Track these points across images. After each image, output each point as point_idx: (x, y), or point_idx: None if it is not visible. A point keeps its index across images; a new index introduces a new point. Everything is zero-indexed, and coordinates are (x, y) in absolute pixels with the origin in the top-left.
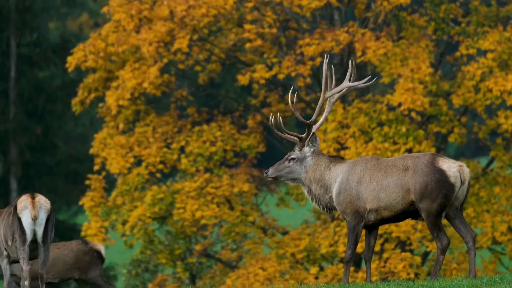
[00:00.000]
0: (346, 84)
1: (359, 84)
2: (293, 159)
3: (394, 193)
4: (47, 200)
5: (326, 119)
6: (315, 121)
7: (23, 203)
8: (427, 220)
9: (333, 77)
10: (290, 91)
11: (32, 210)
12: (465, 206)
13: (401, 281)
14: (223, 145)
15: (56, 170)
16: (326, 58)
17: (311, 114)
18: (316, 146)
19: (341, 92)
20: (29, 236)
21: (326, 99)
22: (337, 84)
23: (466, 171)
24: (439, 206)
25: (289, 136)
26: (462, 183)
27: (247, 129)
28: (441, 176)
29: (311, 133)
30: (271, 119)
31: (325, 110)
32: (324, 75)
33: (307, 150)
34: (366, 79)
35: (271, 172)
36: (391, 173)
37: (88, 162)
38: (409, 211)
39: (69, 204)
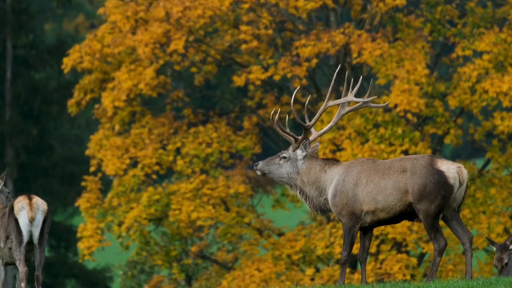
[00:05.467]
0: (349, 98)
1: (365, 100)
2: (284, 157)
3: (391, 195)
4: (44, 201)
5: (330, 128)
6: (313, 125)
7: (20, 204)
8: (424, 222)
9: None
10: (295, 92)
11: (29, 211)
12: (461, 208)
13: (397, 283)
14: (219, 146)
15: (52, 171)
16: (338, 69)
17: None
18: (307, 151)
19: (354, 107)
20: (25, 237)
21: (327, 107)
22: (335, 88)
23: (465, 172)
24: (437, 207)
25: (286, 134)
26: (460, 184)
27: (243, 131)
28: (440, 178)
29: (306, 139)
30: (273, 113)
31: (332, 120)
32: (331, 84)
33: (299, 153)
34: (372, 98)
35: (261, 165)
36: (389, 175)
37: (84, 164)
38: (406, 213)
39: (65, 206)
